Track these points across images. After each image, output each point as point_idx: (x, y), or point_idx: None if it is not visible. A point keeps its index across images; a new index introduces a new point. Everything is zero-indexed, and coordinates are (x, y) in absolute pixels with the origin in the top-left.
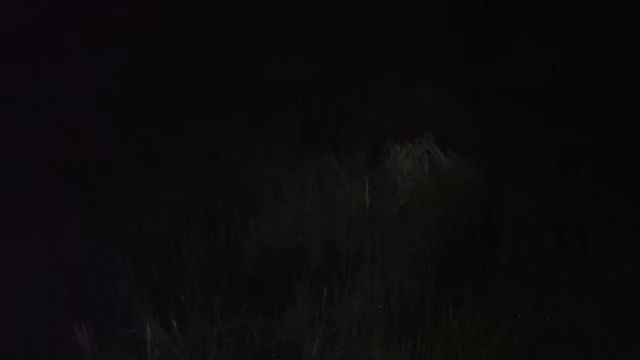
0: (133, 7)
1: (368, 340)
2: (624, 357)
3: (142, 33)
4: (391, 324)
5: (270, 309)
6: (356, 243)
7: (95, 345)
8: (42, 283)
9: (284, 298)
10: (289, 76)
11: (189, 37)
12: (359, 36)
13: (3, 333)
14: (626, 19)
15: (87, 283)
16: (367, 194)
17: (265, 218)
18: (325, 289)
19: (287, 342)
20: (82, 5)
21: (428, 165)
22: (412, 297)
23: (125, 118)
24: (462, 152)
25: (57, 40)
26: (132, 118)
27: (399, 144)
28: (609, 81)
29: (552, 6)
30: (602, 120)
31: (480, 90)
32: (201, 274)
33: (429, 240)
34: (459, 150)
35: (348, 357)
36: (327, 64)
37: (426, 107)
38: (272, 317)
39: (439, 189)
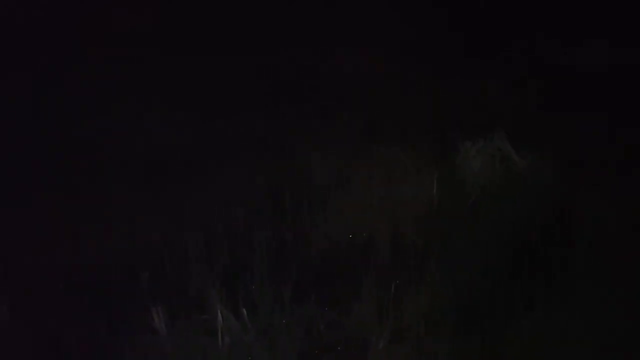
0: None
1: (435, 337)
2: None
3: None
4: (459, 322)
5: (337, 301)
6: (424, 239)
7: (171, 328)
8: (124, 266)
9: (351, 291)
10: (355, 70)
11: (250, 29)
12: (425, 31)
13: (85, 313)
14: None
15: (165, 268)
16: (435, 190)
17: (333, 211)
18: (393, 284)
19: (353, 336)
20: None
21: (500, 163)
22: (482, 295)
23: (195, 111)
24: (535, 149)
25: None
26: (203, 111)
27: (470, 140)
28: None
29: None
30: None
31: (553, 86)
32: (270, 264)
33: (499, 238)
34: (532, 147)
35: (414, 353)
36: (392, 60)
37: (498, 102)
38: (339, 310)
39: (510, 187)
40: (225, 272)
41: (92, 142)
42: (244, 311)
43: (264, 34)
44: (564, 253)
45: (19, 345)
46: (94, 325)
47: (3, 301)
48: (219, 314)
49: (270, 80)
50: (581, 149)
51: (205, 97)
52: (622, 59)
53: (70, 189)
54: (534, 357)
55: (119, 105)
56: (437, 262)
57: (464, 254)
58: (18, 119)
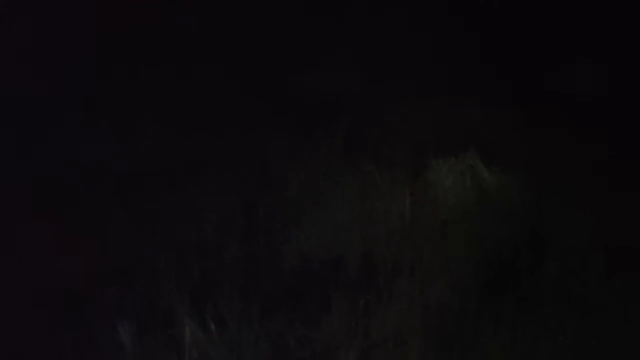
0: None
1: (404, 355)
2: None
3: (187, 36)
4: (428, 340)
5: (307, 317)
6: (395, 256)
7: (137, 343)
8: (90, 280)
9: (321, 307)
10: (334, 87)
11: (233, 42)
12: (406, 48)
13: (51, 326)
14: None
15: (134, 283)
16: (407, 207)
17: (306, 227)
18: (363, 301)
19: (322, 352)
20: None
21: (471, 181)
22: (451, 313)
23: (171, 123)
24: (507, 168)
25: None
26: (177, 123)
27: (442, 158)
28: None
29: (603, 21)
30: None
31: (529, 105)
32: (240, 279)
33: (470, 255)
34: (504, 166)
35: None
36: (373, 76)
37: (472, 121)
38: (308, 326)
39: (481, 205)
40: (195, 287)
41: (62, 155)
42: (212, 326)
43: (241, 48)
44: (534, 272)
45: None
46: (59, 341)
47: None
48: (187, 329)
49: (245, 95)
50: (552, 167)
51: (179, 111)
52: (592, 79)
53: (38, 202)
54: None
55: (91, 117)
56: (408, 279)
57: (435, 272)
58: None
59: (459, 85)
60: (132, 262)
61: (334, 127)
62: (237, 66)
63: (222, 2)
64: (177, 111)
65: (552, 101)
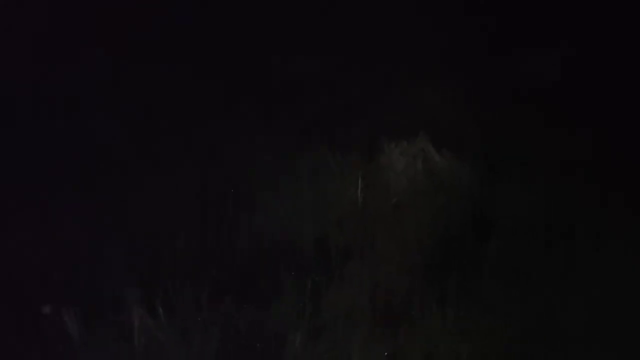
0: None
1: (351, 334)
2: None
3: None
4: (375, 319)
5: (257, 300)
6: (347, 239)
7: (84, 331)
8: (35, 266)
9: (271, 290)
10: (295, 70)
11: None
12: (367, 32)
13: None
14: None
15: (80, 271)
16: (359, 190)
17: (258, 211)
18: (312, 283)
19: (272, 334)
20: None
21: (422, 164)
22: (398, 294)
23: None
24: (457, 152)
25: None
26: (133, 115)
27: (394, 142)
28: (616, 83)
29: (559, 6)
30: (605, 122)
31: (481, 90)
32: (191, 264)
33: (419, 237)
34: (454, 150)
35: (331, 350)
36: (331, 61)
37: (425, 105)
38: (258, 308)
39: (431, 188)
40: (144, 272)
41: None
42: (161, 311)
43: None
44: (480, 251)
45: None
46: (4, 327)
47: None
48: (135, 315)
49: (201, 81)
50: (499, 149)
51: (135, 98)
52: (547, 62)
53: None
54: (446, 351)
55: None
56: (358, 261)
57: (385, 254)
58: None
59: (413, 71)
60: (80, 248)
61: (289, 110)
62: (190, 48)
63: None
64: (127, 99)
65: (505, 85)
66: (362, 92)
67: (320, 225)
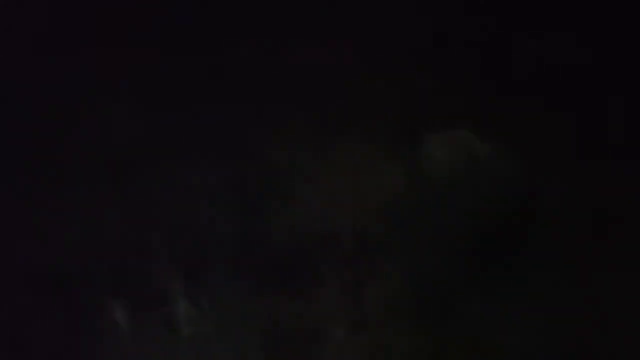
0: None
1: (395, 327)
2: None
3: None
4: (418, 312)
5: (298, 292)
6: (387, 230)
7: (132, 321)
8: (85, 260)
9: (312, 282)
10: (321, 63)
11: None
12: (392, 24)
13: (43, 307)
14: None
15: (127, 262)
16: (399, 181)
17: (298, 203)
18: (353, 275)
19: (314, 326)
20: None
21: (464, 154)
22: (441, 286)
23: (160, 105)
24: (499, 139)
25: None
26: (167, 105)
27: (435, 131)
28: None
29: None
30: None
31: (515, 77)
32: (232, 255)
33: (461, 228)
34: (496, 137)
35: (373, 342)
36: (358, 53)
37: (464, 93)
38: (298, 301)
39: (474, 178)
40: (187, 264)
41: (54, 137)
42: (205, 303)
43: (227, 28)
44: (525, 242)
45: None
46: (54, 321)
47: None
48: (180, 307)
49: (235, 73)
50: (544, 137)
51: (170, 91)
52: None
53: (29, 185)
54: (491, 344)
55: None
56: (400, 253)
57: (427, 245)
58: None
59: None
60: (125, 241)
61: (326, 100)
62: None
63: None
64: (164, 91)
65: (539, 71)
66: (396, 81)
67: (360, 217)
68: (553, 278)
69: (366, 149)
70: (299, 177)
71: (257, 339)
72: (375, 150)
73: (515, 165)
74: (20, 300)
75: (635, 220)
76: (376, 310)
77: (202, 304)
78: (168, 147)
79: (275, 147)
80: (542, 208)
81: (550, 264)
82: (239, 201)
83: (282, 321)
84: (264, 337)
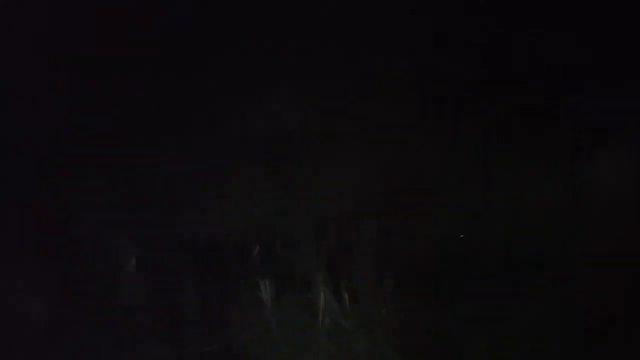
0: None
1: (539, 351)
2: None
3: None
4: (565, 338)
5: (437, 301)
6: (538, 248)
7: (276, 302)
8: (238, 240)
9: (453, 294)
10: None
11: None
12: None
13: (200, 274)
14: None
15: (275, 246)
16: (560, 197)
17: (445, 209)
18: (497, 292)
19: (450, 337)
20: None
21: (631, 169)
22: (595, 311)
23: (314, 99)
24: None
25: None
26: (321, 99)
27: (600, 146)
28: None
29: None
30: None
31: None
32: (375, 253)
33: (622, 249)
34: None
35: None
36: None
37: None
38: (438, 310)
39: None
40: (331, 256)
41: (214, 120)
42: (346, 295)
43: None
44: None
45: (139, 294)
46: (207, 292)
47: (132, 253)
48: (322, 295)
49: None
50: None
51: (324, 85)
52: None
53: (197, 164)
54: None
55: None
56: (551, 273)
57: (581, 265)
58: None
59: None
60: (275, 227)
61: (486, 110)
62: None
63: None
64: (318, 85)
65: None
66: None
67: (510, 232)
68: None
69: (532, 162)
70: (450, 185)
71: (393, 341)
72: (538, 164)
73: None
74: (182, 264)
75: None
76: (520, 331)
77: (343, 297)
78: (325, 140)
79: (429, 150)
80: None
81: None
82: (387, 201)
83: (421, 328)
84: (401, 340)
